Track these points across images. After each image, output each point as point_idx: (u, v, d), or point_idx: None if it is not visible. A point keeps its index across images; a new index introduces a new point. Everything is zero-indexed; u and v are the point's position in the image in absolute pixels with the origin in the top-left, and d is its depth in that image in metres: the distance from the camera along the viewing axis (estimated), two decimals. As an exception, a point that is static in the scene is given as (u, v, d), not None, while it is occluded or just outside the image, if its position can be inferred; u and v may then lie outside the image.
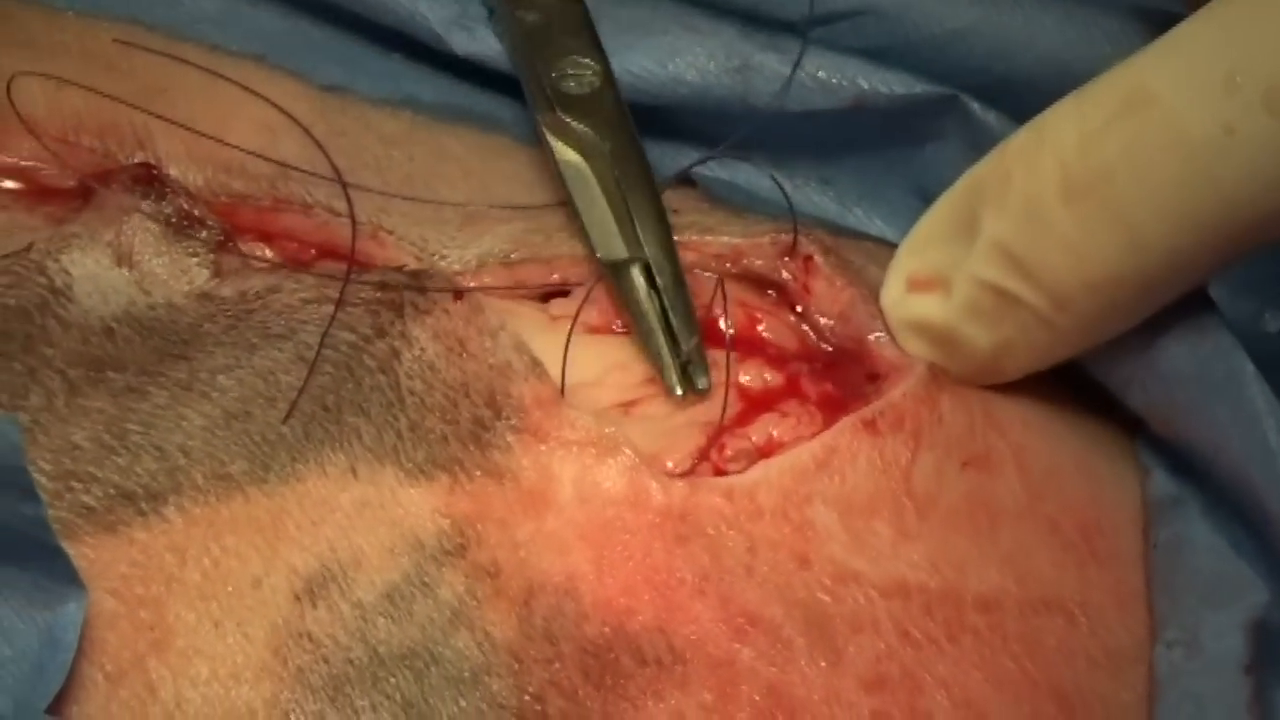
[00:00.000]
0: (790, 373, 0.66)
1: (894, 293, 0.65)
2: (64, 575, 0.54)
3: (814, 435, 0.63)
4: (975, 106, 0.68)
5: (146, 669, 0.57)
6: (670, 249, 0.66)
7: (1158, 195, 0.55)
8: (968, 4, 0.71)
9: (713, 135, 0.71)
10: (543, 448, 0.62)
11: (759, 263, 0.69)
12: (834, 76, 0.68)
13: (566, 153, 0.69)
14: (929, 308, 0.63)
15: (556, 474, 0.61)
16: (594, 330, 0.67)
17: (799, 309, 0.68)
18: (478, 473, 0.61)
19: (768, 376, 0.65)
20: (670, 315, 0.65)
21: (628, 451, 0.61)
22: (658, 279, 0.65)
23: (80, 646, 0.55)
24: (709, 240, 0.69)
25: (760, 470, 0.62)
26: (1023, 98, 0.66)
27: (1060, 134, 0.58)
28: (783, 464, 0.62)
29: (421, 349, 0.63)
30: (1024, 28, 0.70)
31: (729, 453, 0.63)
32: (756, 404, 0.65)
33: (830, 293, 0.67)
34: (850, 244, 0.70)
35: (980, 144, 0.66)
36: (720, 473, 0.63)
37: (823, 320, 0.68)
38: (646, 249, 0.66)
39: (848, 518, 0.62)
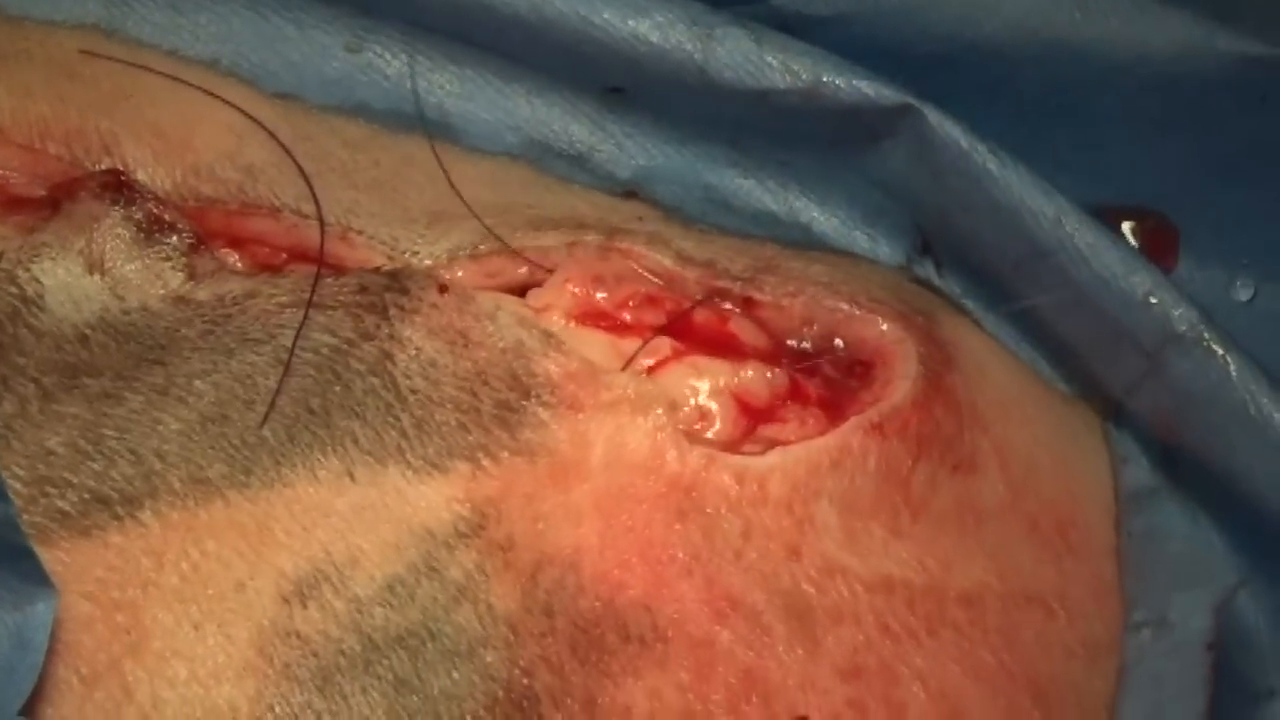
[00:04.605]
0: (789, 371, 0.66)
1: None
2: (33, 576, 0.54)
3: (821, 434, 0.63)
4: (931, 116, 0.66)
5: (122, 671, 0.57)
6: None
7: None
8: (936, -30, 0.71)
9: (668, 111, 0.71)
10: (580, 416, 0.62)
11: (690, 294, 0.69)
12: (794, 63, 0.67)
13: None
14: None
15: (592, 439, 0.62)
16: (580, 321, 0.67)
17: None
18: (504, 454, 0.61)
19: (770, 375, 0.65)
20: None
21: (659, 411, 0.62)
22: None
23: (55, 650, 0.55)
24: (647, 255, 0.68)
25: (776, 456, 0.63)
26: (988, 66, 0.67)
27: None
28: (799, 454, 0.63)
29: (417, 348, 0.63)
30: (991, -8, 0.70)
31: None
32: (755, 416, 0.65)
33: (780, 316, 0.68)
34: (789, 254, 0.70)
35: (928, 155, 0.66)
36: (738, 452, 0.63)
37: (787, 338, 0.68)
38: None
39: (847, 516, 0.63)
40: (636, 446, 0.62)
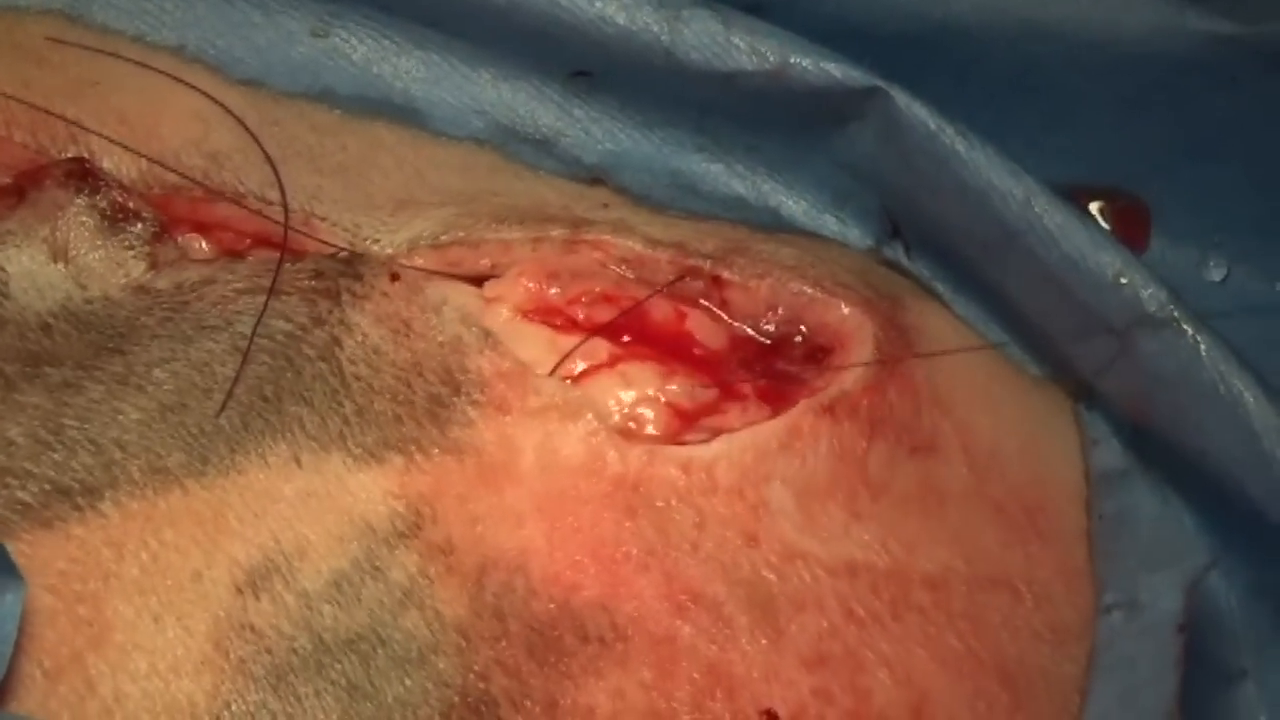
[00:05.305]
0: (723, 381, 0.65)
1: None
2: (1, 568, 0.54)
3: (767, 419, 0.63)
4: (899, 98, 0.66)
5: (85, 664, 0.57)
6: None
7: None
8: (904, -49, 0.70)
9: (635, 95, 0.71)
10: (507, 419, 0.62)
11: (662, 276, 0.68)
12: (762, 44, 0.66)
13: None
14: None
15: (520, 445, 0.62)
16: (527, 316, 0.66)
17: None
18: (435, 450, 0.61)
19: (694, 391, 0.65)
20: None
21: (590, 416, 0.62)
22: None
23: (19, 643, 0.55)
24: (615, 242, 0.67)
25: (722, 444, 0.62)
26: (958, 46, 0.67)
27: None
28: (745, 440, 0.62)
29: (364, 334, 0.63)
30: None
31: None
32: (689, 418, 0.65)
33: (745, 297, 0.67)
34: (759, 236, 0.70)
35: (896, 137, 0.66)
36: (680, 443, 0.63)
37: (751, 322, 0.68)
38: None
39: (804, 499, 0.62)
40: (571, 452, 0.61)
